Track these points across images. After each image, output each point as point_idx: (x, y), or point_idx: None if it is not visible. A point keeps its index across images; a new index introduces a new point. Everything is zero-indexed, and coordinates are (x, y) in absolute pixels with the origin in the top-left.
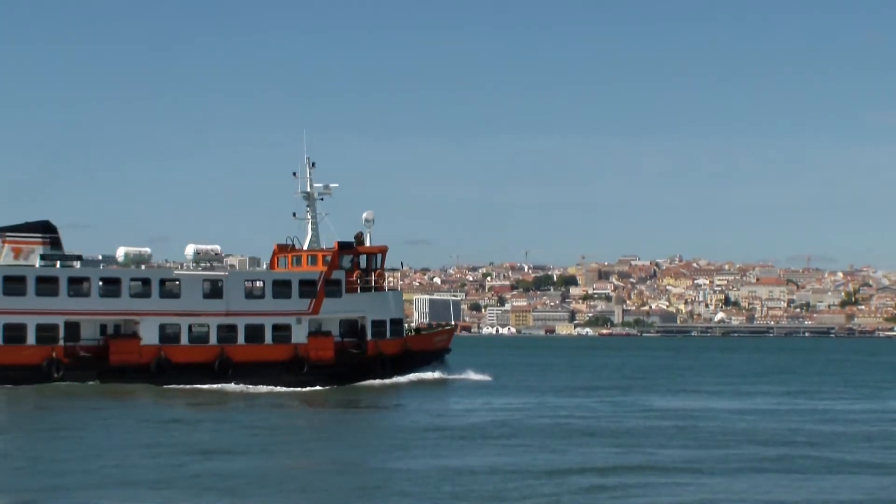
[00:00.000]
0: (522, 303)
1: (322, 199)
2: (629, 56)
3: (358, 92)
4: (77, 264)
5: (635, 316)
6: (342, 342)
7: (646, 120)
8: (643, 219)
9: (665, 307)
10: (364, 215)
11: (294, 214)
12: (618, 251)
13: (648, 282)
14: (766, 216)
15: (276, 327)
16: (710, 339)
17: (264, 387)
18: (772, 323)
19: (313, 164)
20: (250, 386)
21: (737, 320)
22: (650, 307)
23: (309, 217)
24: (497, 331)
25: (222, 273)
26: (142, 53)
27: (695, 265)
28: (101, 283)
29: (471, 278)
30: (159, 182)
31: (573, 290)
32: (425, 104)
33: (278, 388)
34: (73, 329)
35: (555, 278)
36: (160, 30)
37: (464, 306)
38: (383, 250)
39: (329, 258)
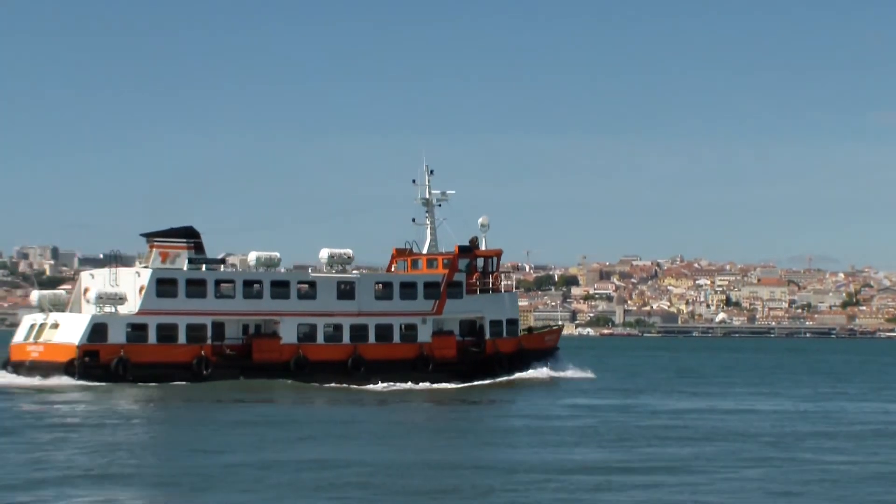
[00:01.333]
0: (524, 303)
1: (440, 206)
2: (632, 56)
3: (358, 94)
4: (221, 267)
5: (636, 316)
6: (463, 341)
7: (647, 120)
8: (644, 219)
9: (666, 307)
10: (480, 220)
11: (413, 220)
12: (619, 251)
13: (650, 282)
14: (768, 216)
15: (403, 327)
16: (712, 340)
17: (395, 384)
18: (773, 323)
19: (431, 172)
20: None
21: (738, 321)
22: (651, 307)
23: (428, 222)
24: None
25: (354, 275)
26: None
27: (696, 265)
28: (244, 285)
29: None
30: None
31: (574, 290)
32: (424, 104)
33: (406, 385)
34: (218, 329)
35: (556, 278)
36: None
37: None
38: (498, 253)
39: (448, 261)
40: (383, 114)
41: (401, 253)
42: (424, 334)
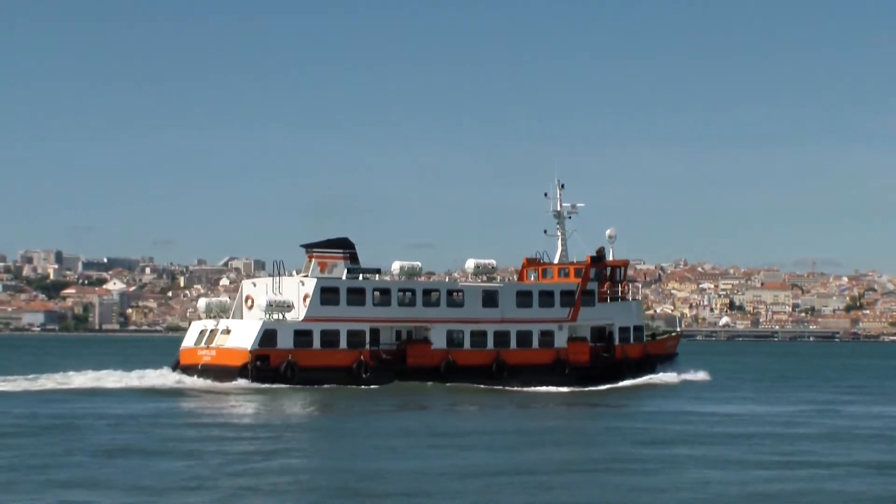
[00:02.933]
0: None
1: (570, 218)
2: (633, 62)
3: (360, 98)
4: (376, 276)
5: None
6: (594, 346)
7: (650, 125)
8: (648, 223)
9: (670, 311)
10: (607, 232)
11: (545, 231)
12: (622, 255)
13: (653, 286)
14: (771, 220)
15: (541, 333)
16: (716, 344)
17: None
18: (776, 327)
19: (562, 186)
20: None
21: (741, 324)
22: (655, 311)
23: (559, 234)
24: None
25: (498, 284)
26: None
27: (699, 269)
28: (399, 293)
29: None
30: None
31: None
32: (429, 109)
33: (543, 388)
34: (375, 335)
35: None
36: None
37: None
38: (625, 263)
39: (580, 271)
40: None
41: (531, 262)
42: (560, 340)
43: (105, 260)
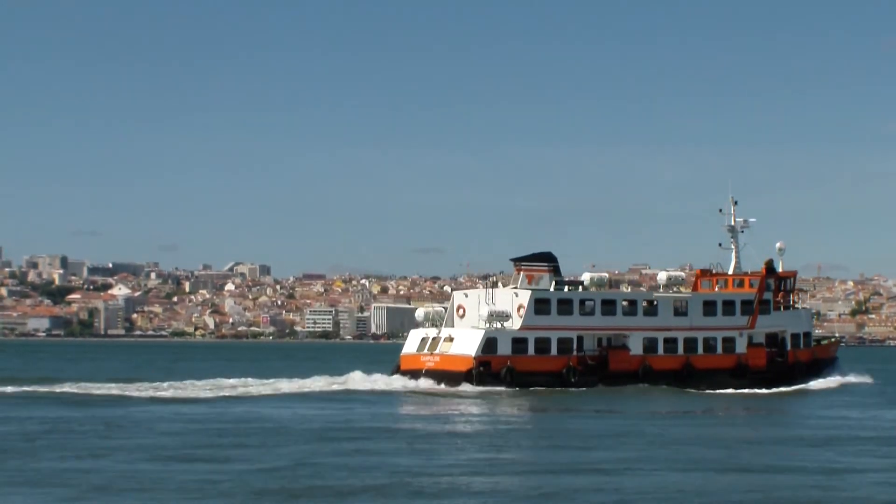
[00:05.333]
0: None
1: (742, 232)
2: (642, 67)
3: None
4: (579, 289)
5: None
6: (770, 352)
7: (657, 130)
8: (654, 228)
9: None
10: (777, 245)
11: (719, 245)
12: (628, 260)
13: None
14: (777, 225)
15: (724, 340)
16: None
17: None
18: None
19: (736, 202)
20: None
21: None
22: None
23: (733, 246)
24: None
25: (686, 295)
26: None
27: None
28: (601, 303)
29: (481, 286)
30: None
31: None
32: (436, 114)
33: (726, 391)
34: (580, 342)
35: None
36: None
37: None
38: (794, 274)
39: (755, 282)
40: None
41: (704, 273)
42: (741, 346)
43: (110, 265)
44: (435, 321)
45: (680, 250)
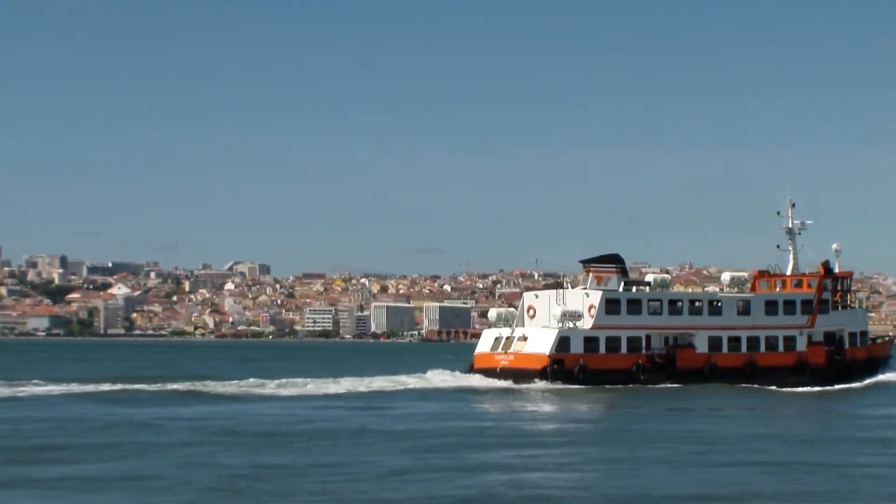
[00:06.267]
0: None
1: (800, 234)
2: (639, 67)
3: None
4: (646, 289)
5: None
6: (828, 350)
7: (656, 129)
8: (653, 226)
9: None
10: (834, 246)
11: (777, 246)
12: (628, 258)
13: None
14: (776, 223)
15: (785, 338)
16: None
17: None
18: None
19: (793, 205)
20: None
21: None
22: None
23: (791, 248)
24: None
25: (749, 295)
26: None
27: (705, 272)
28: (669, 304)
29: (481, 286)
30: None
31: None
32: (436, 114)
33: (784, 389)
34: (648, 341)
35: (565, 285)
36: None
37: (474, 314)
38: (850, 275)
39: (814, 282)
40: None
41: (762, 274)
42: (801, 344)
43: (110, 264)
44: (507, 321)
45: (680, 250)
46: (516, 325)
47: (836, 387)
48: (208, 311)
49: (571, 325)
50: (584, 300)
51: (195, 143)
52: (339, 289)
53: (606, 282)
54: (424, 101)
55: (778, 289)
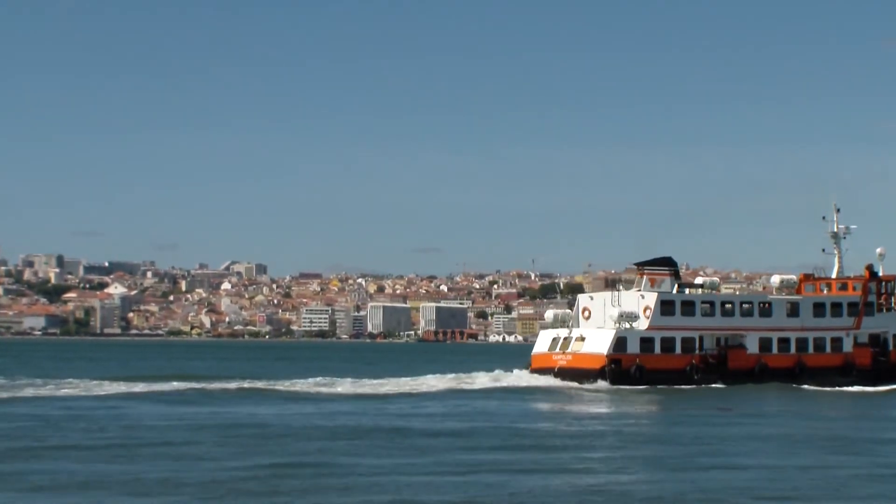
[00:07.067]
0: (529, 311)
1: (844, 238)
2: (637, 68)
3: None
4: (699, 291)
5: None
6: (874, 351)
7: (654, 129)
8: (650, 227)
9: None
10: (878, 250)
11: (823, 250)
12: (625, 259)
13: None
14: (775, 224)
15: (832, 340)
16: None
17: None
18: None
19: (838, 210)
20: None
21: None
22: None
23: (836, 252)
24: (504, 339)
25: (798, 297)
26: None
27: (702, 273)
28: (721, 305)
29: (477, 286)
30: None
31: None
32: (433, 115)
33: (830, 389)
34: (701, 341)
35: (561, 286)
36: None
37: (470, 314)
38: (894, 278)
39: (859, 285)
40: None
41: (807, 277)
42: (847, 346)
43: (106, 264)
44: (564, 322)
45: (680, 250)
46: (572, 326)
47: (882, 388)
48: (205, 310)
49: (628, 325)
50: (640, 302)
51: (192, 143)
52: (336, 289)
53: (660, 284)
54: (422, 101)
55: (825, 292)
